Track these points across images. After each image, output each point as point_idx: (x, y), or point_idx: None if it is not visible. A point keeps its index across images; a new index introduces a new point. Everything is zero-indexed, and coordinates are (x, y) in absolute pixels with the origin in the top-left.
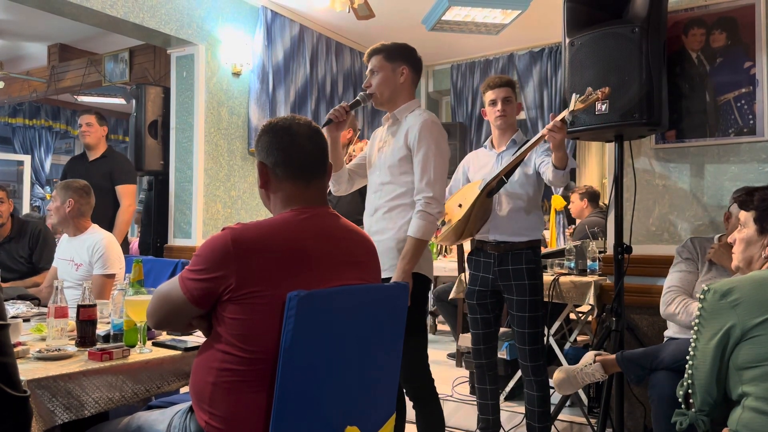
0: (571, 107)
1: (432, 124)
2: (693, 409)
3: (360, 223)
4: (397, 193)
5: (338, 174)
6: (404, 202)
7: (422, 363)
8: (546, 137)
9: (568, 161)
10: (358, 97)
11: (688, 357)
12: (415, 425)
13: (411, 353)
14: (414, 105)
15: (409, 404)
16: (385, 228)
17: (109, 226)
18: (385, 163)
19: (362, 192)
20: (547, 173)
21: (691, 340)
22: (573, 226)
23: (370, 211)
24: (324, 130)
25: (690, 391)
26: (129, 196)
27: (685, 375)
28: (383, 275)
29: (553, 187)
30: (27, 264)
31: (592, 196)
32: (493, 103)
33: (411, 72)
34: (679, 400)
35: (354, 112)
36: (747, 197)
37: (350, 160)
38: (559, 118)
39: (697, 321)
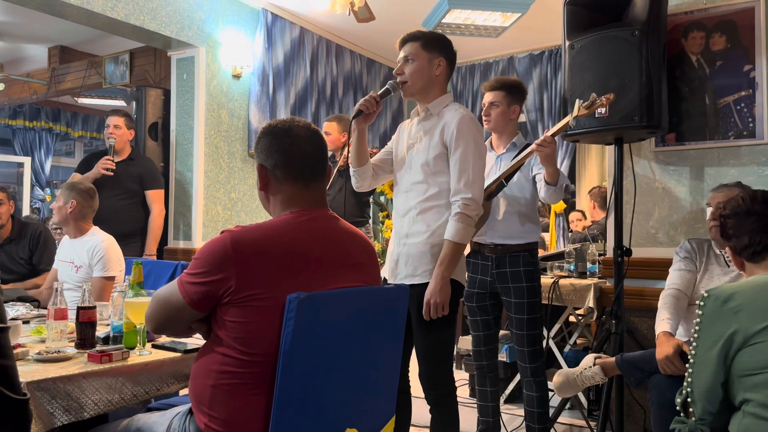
0: (575, 113)
1: (470, 120)
2: (693, 418)
3: (358, 224)
4: (430, 193)
5: (362, 169)
6: (438, 203)
7: (448, 371)
8: (535, 152)
9: (559, 177)
10: (387, 86)
11: (687, 364)
12: (417, 427)
13: (438, 360)
14: (448, 99)
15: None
16: (418, 231)
17: (141, 229)
18: (417, 161)
19: (356, 193)
20: (541, 191)
21: (691, 347)
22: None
23: (401, 212)
24: (353, 123)
25: (689, 399)
26: (160, 201)
27: (684, 383)
28: (414, 280)
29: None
30: (27, 266)
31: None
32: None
33: (447, 65)
34: (678, 407)
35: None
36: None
37: (345, 164)
38: (562, 123)
39: (696, 328)
